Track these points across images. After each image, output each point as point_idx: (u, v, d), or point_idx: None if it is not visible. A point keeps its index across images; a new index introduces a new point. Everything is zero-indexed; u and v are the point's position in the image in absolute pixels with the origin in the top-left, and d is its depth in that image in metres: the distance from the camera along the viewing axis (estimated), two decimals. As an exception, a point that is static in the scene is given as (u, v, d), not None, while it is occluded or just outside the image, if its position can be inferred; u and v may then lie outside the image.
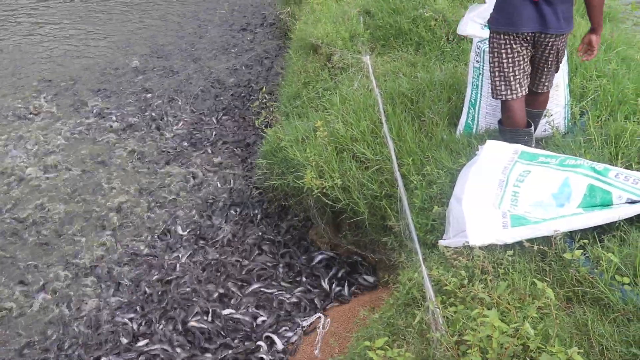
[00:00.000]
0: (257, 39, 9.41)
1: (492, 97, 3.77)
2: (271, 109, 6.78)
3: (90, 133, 7.09)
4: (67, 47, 9.55)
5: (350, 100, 4.91)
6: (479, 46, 4.08)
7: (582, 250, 2.78)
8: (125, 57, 9.11)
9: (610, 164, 3.35)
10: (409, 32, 5.76)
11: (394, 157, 4.11)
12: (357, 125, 4.56)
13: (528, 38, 3.55)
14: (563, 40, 3.61)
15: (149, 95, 7.96)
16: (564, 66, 3.96)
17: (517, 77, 3.65)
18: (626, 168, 3.38)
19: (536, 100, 3.85)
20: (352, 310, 4.31)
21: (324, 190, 4.37)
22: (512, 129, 3.73)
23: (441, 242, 3.25)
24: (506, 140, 3.70)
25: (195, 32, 9.88)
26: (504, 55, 3.62)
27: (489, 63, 3.75)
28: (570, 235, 3.00)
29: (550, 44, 3.57)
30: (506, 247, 3.06)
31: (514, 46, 3.58)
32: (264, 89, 7.54)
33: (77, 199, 5.94)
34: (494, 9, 3.64)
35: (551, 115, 3.98)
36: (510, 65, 3.63)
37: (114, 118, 7.39)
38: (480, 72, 4.12)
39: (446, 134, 4.21)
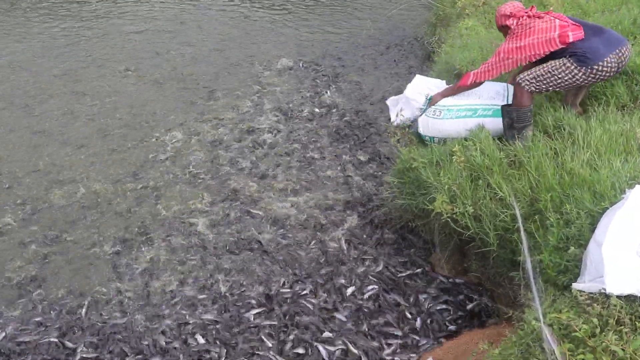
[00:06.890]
0: (401, 58, 9.45)
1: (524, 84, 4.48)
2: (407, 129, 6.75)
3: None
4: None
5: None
6: None
7: None
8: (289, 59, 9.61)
9: None
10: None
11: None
12: (494, 155, 4.45)
13: (603, 72, 4.26)
14: None
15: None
16: None
17: (548, 90, 4.52)
18: None
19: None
20: (467, 344, 4.19)
21: (454, 216, 4.30)
22: (518, 107, 4.51)
23: (575, 285, 3.10)
24: (511, 117, 4.56)
25: (341, 47, 10.10)
26: (562, 80, 4.35)
27: (549, 70, 4.36)
28: None
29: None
30: (647, 300, 2.87)
31: (581, 79, 4.31)
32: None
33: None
34: (586, 54, 4.26)
35: None
36: (556, 87, 4.43)
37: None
38: None
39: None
